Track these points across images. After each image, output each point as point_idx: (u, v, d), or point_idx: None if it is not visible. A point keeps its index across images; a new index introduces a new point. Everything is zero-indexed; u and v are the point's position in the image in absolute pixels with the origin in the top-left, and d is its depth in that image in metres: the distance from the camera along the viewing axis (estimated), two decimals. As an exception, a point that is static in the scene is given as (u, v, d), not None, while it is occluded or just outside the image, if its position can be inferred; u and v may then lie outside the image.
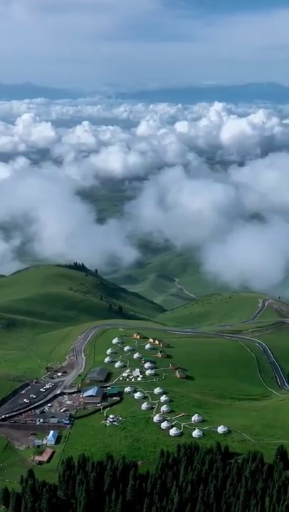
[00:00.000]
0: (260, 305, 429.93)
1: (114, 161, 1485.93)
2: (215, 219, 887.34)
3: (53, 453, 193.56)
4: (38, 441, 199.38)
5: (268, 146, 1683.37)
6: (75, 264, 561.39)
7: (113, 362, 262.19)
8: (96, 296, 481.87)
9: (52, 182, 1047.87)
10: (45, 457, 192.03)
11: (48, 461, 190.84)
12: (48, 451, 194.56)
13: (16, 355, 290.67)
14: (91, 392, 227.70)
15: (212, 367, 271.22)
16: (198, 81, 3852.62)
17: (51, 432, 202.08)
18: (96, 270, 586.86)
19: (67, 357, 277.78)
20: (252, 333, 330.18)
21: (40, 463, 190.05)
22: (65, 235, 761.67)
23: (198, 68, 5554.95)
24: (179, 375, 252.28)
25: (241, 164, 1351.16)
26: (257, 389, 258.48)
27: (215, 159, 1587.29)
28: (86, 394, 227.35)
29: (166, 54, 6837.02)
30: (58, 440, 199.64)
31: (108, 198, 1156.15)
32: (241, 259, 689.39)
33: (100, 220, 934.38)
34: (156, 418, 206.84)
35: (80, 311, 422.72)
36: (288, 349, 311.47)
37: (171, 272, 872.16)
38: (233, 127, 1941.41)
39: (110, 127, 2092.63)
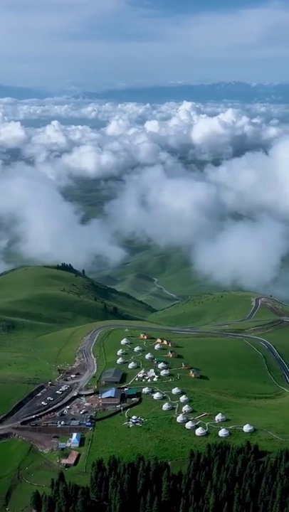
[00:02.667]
0: (254, 304, 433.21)
1: (87, 161, 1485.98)
2: (197, 218, 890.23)
3: (79, 455, 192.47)
4: (62, 444, 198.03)
5: (240, 145, 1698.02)
6: (63, 264, 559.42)
7: (126, 363, 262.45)
8: (89, 296, 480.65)
9: (32, 182, 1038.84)
10: (71, 460, 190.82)
11: (75, 463, 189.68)
12: (74, 454, 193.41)
13: (23, 358, 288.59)
14: (109, 393, 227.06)
15: (223, 366, 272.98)
16: (165, 80, 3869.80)
17: (74, 435, 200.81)
18: (83, 271, 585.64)
19: (76, 358, 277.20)
20: (254, 332, 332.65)
21: (67, 466, 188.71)
22: (49, 235, 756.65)
23: (165, 68, 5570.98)
24: (193, 375, 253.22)
25: (217, 163, 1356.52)
26: (269, 387, 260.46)
27: (187, 158, 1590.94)
28: (105, 395, 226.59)
29: (132, 53, 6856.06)
30: (81, 442, 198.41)
31: (86, 198, 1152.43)
32: (230, 258, 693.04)
33: (82, 220, 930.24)
34: (179, 418, 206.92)
35: (76, 312, 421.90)
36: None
37: (150, 272, 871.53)
38: (204, 126, 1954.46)
39: (80, 127, 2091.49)
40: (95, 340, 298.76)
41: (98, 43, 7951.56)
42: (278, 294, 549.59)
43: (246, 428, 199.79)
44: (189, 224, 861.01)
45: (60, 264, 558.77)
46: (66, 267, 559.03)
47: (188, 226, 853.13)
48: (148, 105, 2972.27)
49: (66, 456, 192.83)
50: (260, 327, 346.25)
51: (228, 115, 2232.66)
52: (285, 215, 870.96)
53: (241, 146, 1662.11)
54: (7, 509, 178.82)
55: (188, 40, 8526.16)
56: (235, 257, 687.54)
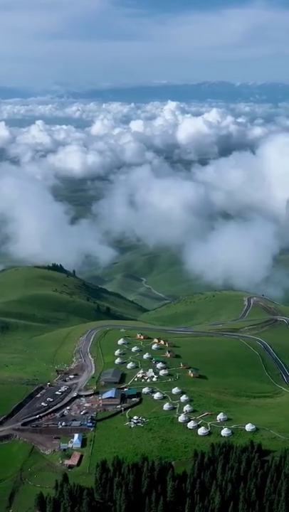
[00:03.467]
0: (246, 303, 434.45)
1: (73, 161, 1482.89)
2: (186, 218, 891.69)
3: (82, 456, 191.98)
4: (63, 445, 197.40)
5: (225, 145, 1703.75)
6: (54, 265, 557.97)
7: (124, 363, 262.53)
8: (81, 297, 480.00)
9: (20, 182, 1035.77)
10: (74, 461, 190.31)
11: (78, 464, 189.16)
12: (77, 455, 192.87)
13: (19, 359, 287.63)
14: (110, 393, 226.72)
15: (221, 365, 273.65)
16: (149, 80, 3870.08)
17: (76, 435, 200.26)
18: (74, 271, 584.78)
19: (74, 359, 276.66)
20: (249, 331, 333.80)
21: (70, 467, 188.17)
22: (39, 235, 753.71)
23: (149, 67, 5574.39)
24: (192, 375, 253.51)
25: (204, 163, 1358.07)
26: (267, 386, 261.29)
27: (173, 158, 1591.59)
28: (105, 396, 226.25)
29: (116, 53, 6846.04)
30: (83, 443, 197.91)
31: (73, 198, 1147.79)
32: (221, 257, 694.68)
33: (71, 220, 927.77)
34: (181, 418, 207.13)
35: (69, 313, 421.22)
36: (287, 345, 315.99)
37: (138, 272, 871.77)
38: (189, 126, 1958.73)
39: (64, 126, 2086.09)
40: (91, 340, 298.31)
41: (82, 43, 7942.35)
42: (270, 293, 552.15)
43: (248, 427, 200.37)
44: (178, 223, 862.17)
45: (50, 265, 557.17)
46: (57, 268, 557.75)
47: (177, 226, 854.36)
48: (132, 105, 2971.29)
49: (69, 457, 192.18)
50: (255, 326, 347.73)
51: (212, 115, 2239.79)
52: (273, 215, 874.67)
53: (227, 146, 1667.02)
54: (10, 511, 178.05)
55: (172, 39, 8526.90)
56: (226, 257, 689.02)
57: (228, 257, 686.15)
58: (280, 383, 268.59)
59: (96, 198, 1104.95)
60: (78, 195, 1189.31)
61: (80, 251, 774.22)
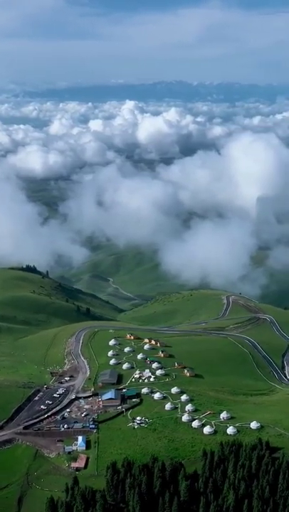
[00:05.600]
0: (225, 301, 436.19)
1: (34, 161, 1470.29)
2: (156, 217, 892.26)
3: (88, 458, 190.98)
4: (68, 448, 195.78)
5: (186, 144, 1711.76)
6: (28, 266, 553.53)
7: (118, 364, 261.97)
8: (59, 298, 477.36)
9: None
10: (81, 463, 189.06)
11: (86, 466, 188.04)
12: (83, 457, 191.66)
13: (9, 362, 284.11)
14: (110, 395, 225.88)
15: (214, 364, 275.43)
16: (106, 79, 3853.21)
17: (80, 438, 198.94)
18: (47, 272, 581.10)
19: (66, 361, 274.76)
20: (235, 330, 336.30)
21: (77, 469, 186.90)
22: (9, 235, 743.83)
23: (106, 66, 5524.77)
24: (188, 374, 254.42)
25: (167, 162, 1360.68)
26: (261, 384, 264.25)
27: (134, 158, 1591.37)
28: (105, 397, 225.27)
29: (72, 52, 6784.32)
30: (87, 445, 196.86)
31: (37, 198, 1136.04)
32: (195, 256, 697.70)
33: (40, 220, 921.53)
34: (185, 417, 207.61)
35: (50, 314, 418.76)
36: (273, 343, 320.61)
37: (105, 272, 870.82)
38: (149, 125, 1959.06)
39: (22, 126, 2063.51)
40: (81, 341, 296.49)
41: (37, 42, 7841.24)
42: (247, 291, 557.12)
43: (253, 425, 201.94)
44: (148, 223, 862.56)
45: (24, 266, 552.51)
46: (31, 269, 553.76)
47: (147, 225, 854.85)
48: (90, 104, 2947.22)
49: (75, 459, 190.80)
50: (240, 325, 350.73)
51: (171, 114, 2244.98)
52: (242, 213, 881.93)
53: (187, 145, 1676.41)
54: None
55: (128, 39, 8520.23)
56: (202, 256, 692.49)
57: (204, 256, 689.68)
58: (272, 381, 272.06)
59: (60, 199, 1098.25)
60: (41, 195, 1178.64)
61: (52, 251, 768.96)
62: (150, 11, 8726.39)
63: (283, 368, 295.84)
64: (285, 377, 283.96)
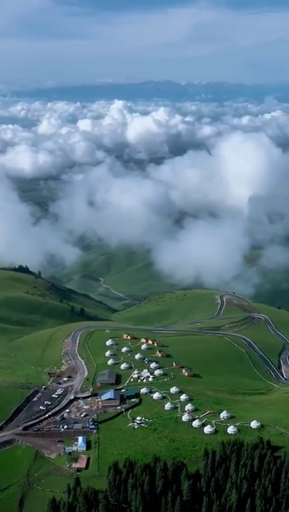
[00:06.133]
0: (219, 301, 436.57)
1: (23, 161, 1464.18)
2: (148, 217, 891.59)
3: (89, 459, 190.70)
4: (68, 448, 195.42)
5: (175, 144, 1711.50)
6: (20, 266, 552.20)
7: (116, 364, 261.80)
8: (53, 298, 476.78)
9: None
10: (82, 464, 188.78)
11: (87, 467, 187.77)
12: (84, 458, 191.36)
13: (5, 362, 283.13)
14: (109, 395, 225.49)
15: (211, 364, 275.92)
16: (94, 79, 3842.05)
17: (80, 438, 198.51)
18: (40, 272, 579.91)
19: (63, 361, 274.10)
20: (231, 329, 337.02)
21: (78, 470, 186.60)
22: (1, 235, 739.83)
23: (94, 66, 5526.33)
24: (187, 374, 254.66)
25: (157, 162, 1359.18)
26: (259, 383, 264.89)
27: (123, 157, 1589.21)
28: (104, 397, 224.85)
29: (60, 51, 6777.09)
30: (88, 446, 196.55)
31: (27, 198, 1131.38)
32: (189, 256, 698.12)
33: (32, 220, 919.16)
34: (185, 417, 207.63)
35: (44, 315, 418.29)
36: (269, 342, 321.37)
37: (95, 272, 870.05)
38: (138, 125, 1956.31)
39: (10, 126, 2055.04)
40: (77, 342, 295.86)
41: (24, 41, 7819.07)
42: (240, 290, 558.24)
43: (254, 424, 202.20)
44: (139, 223, 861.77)
45: (17, 266, 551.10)
46: (23, 269, 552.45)
47: (139, 225, 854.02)
48: (78, 104, 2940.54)
49: (76, 460, 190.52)
50: (235, 324, 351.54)
51: (160, 114, 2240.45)
52: (234, 213, 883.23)
53: (177, 145, 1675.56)
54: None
55: (116, 38, 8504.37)
56: (195, 255, 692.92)
57: (198, 256, 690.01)
58: (269, 380, 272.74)
59: (51, 198, 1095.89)
60: (32, 195, 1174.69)
61: (44, 251, 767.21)
62: (139, 10, 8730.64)
63: (280, 367, 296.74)
64: (282, 376, 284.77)
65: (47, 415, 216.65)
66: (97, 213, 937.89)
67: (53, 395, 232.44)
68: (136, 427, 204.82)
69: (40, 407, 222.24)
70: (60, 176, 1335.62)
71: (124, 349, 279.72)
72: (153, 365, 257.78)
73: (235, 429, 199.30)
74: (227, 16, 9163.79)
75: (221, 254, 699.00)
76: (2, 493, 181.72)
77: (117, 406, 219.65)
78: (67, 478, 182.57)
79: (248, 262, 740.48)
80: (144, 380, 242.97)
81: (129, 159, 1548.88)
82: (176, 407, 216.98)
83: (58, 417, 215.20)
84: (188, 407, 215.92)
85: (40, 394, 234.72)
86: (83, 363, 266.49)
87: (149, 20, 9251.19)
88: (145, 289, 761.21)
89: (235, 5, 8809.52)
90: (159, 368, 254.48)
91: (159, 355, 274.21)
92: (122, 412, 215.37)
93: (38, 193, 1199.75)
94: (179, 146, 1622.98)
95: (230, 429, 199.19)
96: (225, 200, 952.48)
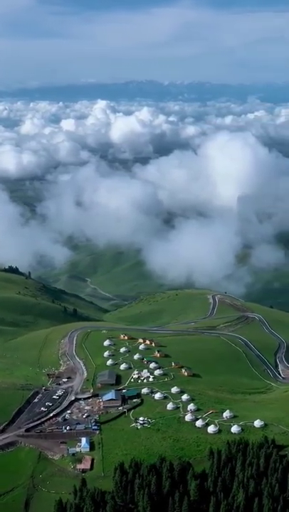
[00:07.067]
0: (211, 301, 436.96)
1: (7, 161, 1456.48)
2: (136, 217, 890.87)
3: (93, 460, 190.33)
4: (72, 449, 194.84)
5: (160, 144, 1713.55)
6: (10, 267, 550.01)
7: (116, 364, 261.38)
8: (45, 299, 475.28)
9: None
10: (87, 465, 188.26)
11: (91, 468, 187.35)
12: (88, 459, 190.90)
13: (2, 364, 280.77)
14: (110, 395, 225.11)
15: (209, 363, 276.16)
16: (77, 79, 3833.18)
17: (83, 439, 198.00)
18: (29, 273, 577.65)
19: (61, 362, 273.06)
20: (226, 329, 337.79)
21: (83, 471, 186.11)
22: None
23: (76, 66, 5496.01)
24: (186, 374, 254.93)
25: (143, 162, 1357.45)
26: (258, 382, 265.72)
27: (108, 157, 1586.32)
28: (106, 398, 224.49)
29: (43, 51, 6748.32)
30: (91, 446, 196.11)
31: (13, 199, 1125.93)
32: (180, 256, 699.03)
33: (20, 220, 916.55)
34: (188, 417, 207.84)
35: (37, 315, 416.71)
36: (265, 342, 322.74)
37: (82, 272, 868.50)
38: (122, 125, 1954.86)
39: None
40: (74, 342, 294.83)
41: (6, 40, 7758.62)
42: (232, 290, 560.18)
43: (257, 423, 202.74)
44: (127, 222, 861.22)
45: (7, 267, 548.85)
46: (13, 270, 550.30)
47: (127, 224, 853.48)
48: (61, 104, 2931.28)
49: (80, 461, 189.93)
50: (230, 324, 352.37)
51: (144, 113, 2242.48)
52: (222, 213, 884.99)
53: (161, 145, 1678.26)
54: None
55: (98, 38, 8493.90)
56: (184, 255, 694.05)
57: (188, 255, 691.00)
58: (268, 379, 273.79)
59: (36, 199, 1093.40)
60: (17, 196, 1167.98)
61: (34, 252, 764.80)
62: (121, 9, 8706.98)
63: (277, 366, 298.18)
64: (280, 375, 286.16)
65: (49, 416, 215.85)
66: (85, 213, 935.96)
67: (54, 396, 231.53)
68: (139, 427, 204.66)
69: (42, 409, 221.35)
70: (45, 176, 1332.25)
71: (122, 349, 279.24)
72: (152, 365, 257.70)
73: (239, 429, 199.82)
74: (210, 15, 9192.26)
75: (211, 254, 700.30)
76: (7, 495, 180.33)
77: (119, 406, 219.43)
78: (72, 479, 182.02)
79: (238, 262, 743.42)
80: (145, 381, 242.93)
81: (114, 159, 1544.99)
82: (179, 407, 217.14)
83: (59, 418, 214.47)
84: (191, 406, 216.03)
85: (40, 395, 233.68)
86: (82, 364, 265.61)
87: (132, 20, 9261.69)
88: (133, 289, 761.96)
89: (218, 5, 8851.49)
90: (159, 368, 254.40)
91: (158, 355, 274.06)
92: (125, 412, 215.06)
93: (24, 194, 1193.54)
94: (163, 145, 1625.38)
95: (234, 429, 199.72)
96: (213, 200, 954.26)
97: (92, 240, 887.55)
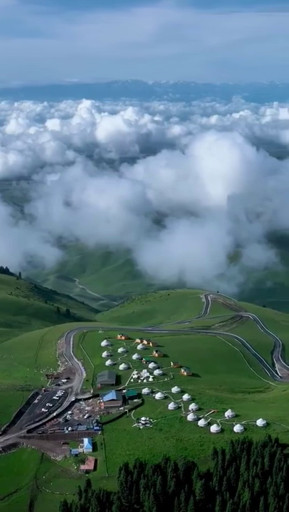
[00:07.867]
0: (204, 300, 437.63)
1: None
2: (125, 216, 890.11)
3: (96, 460, 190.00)
4: (74, 450, 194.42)
5: (146, 143, 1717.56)
6: (0, 268, 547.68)
7: (115, 364, 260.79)
8: (37, 299, 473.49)
9: None
10: (90, 466, 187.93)
11: (95, 469, 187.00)
12: (91, 459, 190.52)
13: (0, 365, 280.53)
14: (111, 396, 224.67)
15: (208, 363, 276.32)
16: (61, 78, 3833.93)
17: (86, 440, 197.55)
18: (20, 273, 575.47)
19: (59, 363, 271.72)
20: (222, 328, 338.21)
21: (87, 472, 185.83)
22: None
23: (60, 65, 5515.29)
24: (185, 373, 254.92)
25: (130, 162, 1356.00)
26: (256, 382, 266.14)
27: (94, 157, 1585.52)
28: (107, 398, 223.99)
29: (26, 51, 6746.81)
30: (94, 447, 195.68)
31: (1, 199, 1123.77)
32: (171, 256, 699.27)
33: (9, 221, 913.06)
34: (190, 417, 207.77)
35: (30, 316, 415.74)
36: (261, 341, 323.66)
37: (70, 272, 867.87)
38: (108, 125, 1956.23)
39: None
40: (71, 343, 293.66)
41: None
42: (224, 289, 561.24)
43: (259, 422, 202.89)
44: (116, 222, 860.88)
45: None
46: (4, 270, 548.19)
47: (116, 224, 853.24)
48: (45, 103, 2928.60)
49: (83, 462, 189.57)
50: (224, 323, 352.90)
51: (129, 113, 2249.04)
52: (212, 212, 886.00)
53: (147, 144, 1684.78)
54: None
55: (81, 37, 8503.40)
56: (176, 255, 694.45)
57: (179, 255, 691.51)
58: (266, 378, 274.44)
59: (23, 199, 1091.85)
60: (4, 196, 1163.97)
61: (24, 252, 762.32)
62: (104, 9, 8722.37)
63: (273, 365, 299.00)
64: (277, 374, 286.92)
65: (50, 417, 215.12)
66: (74, 213, 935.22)
67: (54, 397, 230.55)
68: (141, 427, 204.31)
69: (42, 410, 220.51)
70: (31, 176, 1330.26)
71: (120, 350, 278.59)
72: (151, 365, 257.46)
73: (242, 428, 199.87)
74: (193, 15, 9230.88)
75: (203, 254, 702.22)
76: (11, 496, 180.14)
77: (120, 407, 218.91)
78: (76, 480, 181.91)
79: (230, 261, 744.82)
80: (145, 381, 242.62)
81: (100, 159, 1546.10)
82: (180, 407, 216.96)
83: (61, 419, 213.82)
84: (192, 406, 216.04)
85: (40, 396, 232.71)
86: (80, 364, 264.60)
87: (115, 20, 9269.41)
88: (121, 289, 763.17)
89: (202, 5, 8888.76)
90: (158, 368, 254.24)
91: (156, 355, 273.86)
92: (126, 412, 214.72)
93: (11, 194, 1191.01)
94: (149, 145, 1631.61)
95: (237, 428, 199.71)
96: (202, 200, 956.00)
97: (81, 240, 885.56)
